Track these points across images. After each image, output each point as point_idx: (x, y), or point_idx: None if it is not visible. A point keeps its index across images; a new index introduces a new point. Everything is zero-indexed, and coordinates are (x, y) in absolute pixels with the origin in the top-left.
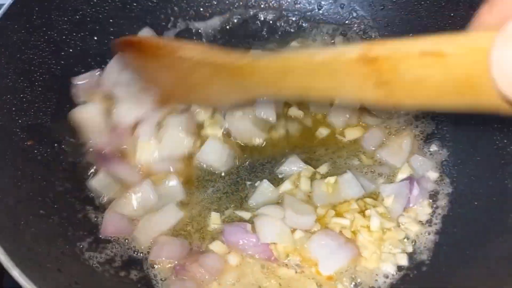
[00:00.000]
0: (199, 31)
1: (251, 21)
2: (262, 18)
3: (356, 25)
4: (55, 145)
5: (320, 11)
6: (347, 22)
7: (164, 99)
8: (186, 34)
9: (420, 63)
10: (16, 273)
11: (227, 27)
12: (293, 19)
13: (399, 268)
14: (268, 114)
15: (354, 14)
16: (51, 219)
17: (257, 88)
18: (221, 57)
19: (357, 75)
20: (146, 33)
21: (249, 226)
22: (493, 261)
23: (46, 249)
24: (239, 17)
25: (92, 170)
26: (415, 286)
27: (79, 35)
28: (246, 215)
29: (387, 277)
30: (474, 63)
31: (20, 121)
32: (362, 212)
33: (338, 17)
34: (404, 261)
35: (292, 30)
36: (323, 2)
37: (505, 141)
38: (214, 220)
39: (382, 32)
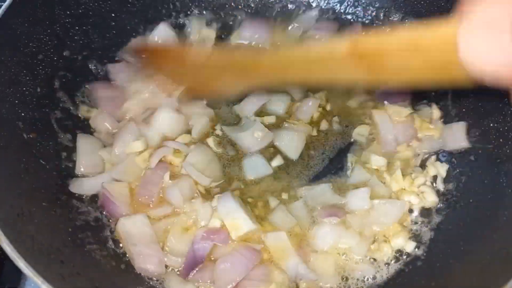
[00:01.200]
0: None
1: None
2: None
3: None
4: (58, 138)
5: None
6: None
7: (186, 93)
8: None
9: (401, 56)
10: (22, 265)
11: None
12: None
13: (396, 261)
14: None
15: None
16: (54, 211)
17: (263, 78)
18: (228, 57)
19: (348, 66)
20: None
21: None
22: (487, 256)
23: (49, 240)
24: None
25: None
26: (411, 280)
27: (81, 29)
28: None
29: (385, 271)
30: (446, 51)
31: (22, 114)
32: None
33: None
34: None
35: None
36: None
37: (500, 140)
38: None
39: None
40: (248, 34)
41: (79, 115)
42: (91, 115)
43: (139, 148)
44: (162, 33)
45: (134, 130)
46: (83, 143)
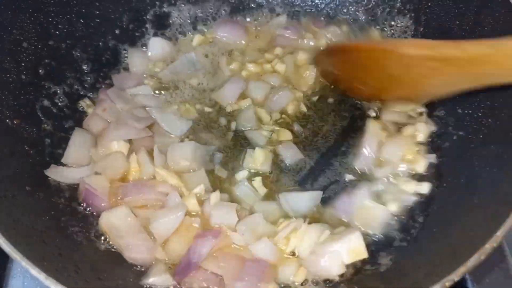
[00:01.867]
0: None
1: None
2: None
3: None
4: (41, 124)
5: None
6: None
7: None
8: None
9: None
10: (1, 241)
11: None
12: None
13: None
14: None
15: None
16: (37, 195)
17: (491, 77)
18: (451, 49)
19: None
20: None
21: None
22: (458, 238)
23: (32, 222)
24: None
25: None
26: (387, 261)
27: (65, 17)
28: None
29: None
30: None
31: (6, 100)
32: None
33: None
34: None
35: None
36: None
37: (475, 127)
38: None
39: None
40: (223, 34)
41: (79, 106)
42: (89, 111)
43: (116, 148)
44: (157, 47)
45: (112, 130)
46: (77, 136)
